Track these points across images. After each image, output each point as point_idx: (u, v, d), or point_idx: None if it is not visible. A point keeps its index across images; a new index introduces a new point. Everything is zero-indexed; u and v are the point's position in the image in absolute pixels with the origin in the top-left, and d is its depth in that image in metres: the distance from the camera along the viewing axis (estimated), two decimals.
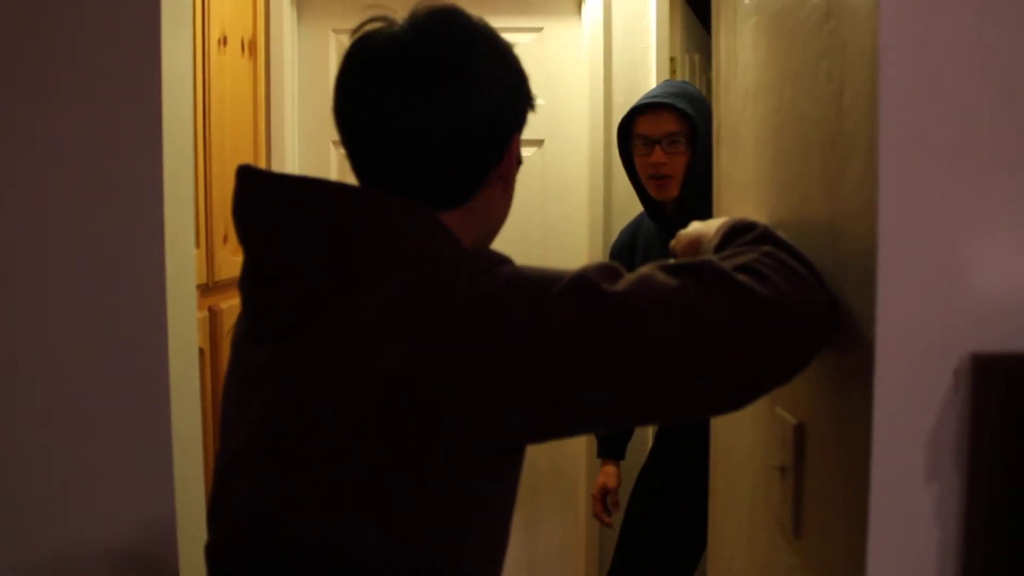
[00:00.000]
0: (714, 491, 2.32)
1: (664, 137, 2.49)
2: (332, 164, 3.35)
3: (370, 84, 1.09)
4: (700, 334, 1.02)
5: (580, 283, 1.03)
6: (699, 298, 1.03)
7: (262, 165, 3.15)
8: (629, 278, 1.05)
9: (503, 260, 1.10)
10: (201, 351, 2.46)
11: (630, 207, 3.30)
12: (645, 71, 3.32)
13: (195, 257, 2.05)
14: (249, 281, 1.15)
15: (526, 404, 1.02)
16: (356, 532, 1.05)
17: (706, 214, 1.89)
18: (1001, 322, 1.35)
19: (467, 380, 1.00)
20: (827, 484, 1.52)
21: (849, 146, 1.36)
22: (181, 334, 1.89)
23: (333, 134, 3.16)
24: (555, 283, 1.03)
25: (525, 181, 3.48)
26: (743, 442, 1.98)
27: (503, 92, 1.13)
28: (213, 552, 1.18)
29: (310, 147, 3.35)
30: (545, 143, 3.44)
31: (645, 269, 1.08)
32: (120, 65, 1.77)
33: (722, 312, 1.03)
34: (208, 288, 2.61)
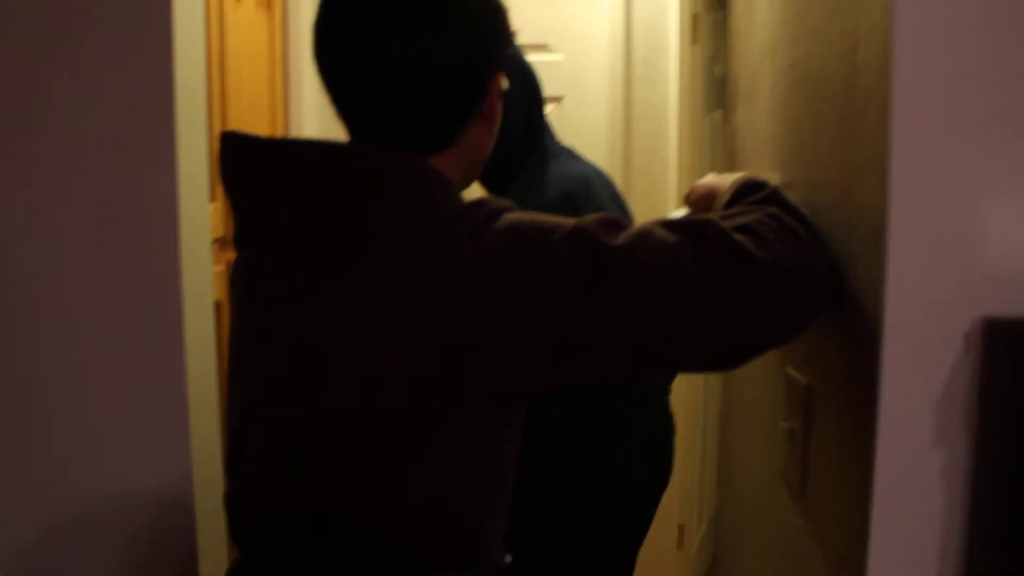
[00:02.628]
0: (723, 450, 2.32)
1: None
2: None
3: (351, 27, 1.09)
4: (696, 293, 1.03)
5: (581, 236, 1.04)
6: (696, 258, 1.04)
7: (279, 119, 3.15)
8: (630, 232, 1.06)
9: (500, 209, 1.10)
10: (219, 304, 2.48)
11: (650, 163, 3.29)
12: (665, 28, 3.28)
13: (210, 211, 2.04)
14: (253, 246, 1.15)
15: (536, 354, 1.04)
16: (371, 481, 1.08)
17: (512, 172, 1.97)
18: (1014, 286, 1.34)
19: (481, 333, 1.02)
20: (834, 447, 1.51)
21: (864, 102, 1.34)
22: (196, 288, 1.90)
23: None
24: (555, 233, 1.05)
25: None
26: (753, 400, 1.98)
27: (482, 32, 1.13)
28: (231, 502, 1.21)
29: (327, 100, 3.35)
30: (565, 99, 3.41)
31: (647, 224, 1.08)
32: (132, 21, 1.75)
33: (718, 272, 1.04)
34: (226, 242, 2.62)
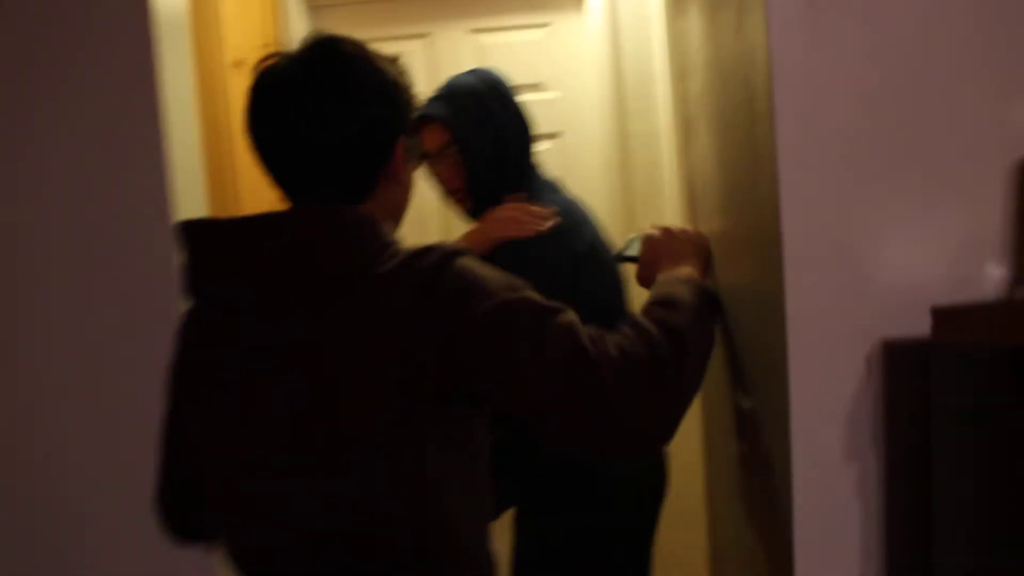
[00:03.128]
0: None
1: (437, 153, 2.24)
2: None
3: (270, 110, 1.31)
4: (558, 393, 1.22)
5: (507, 309, 1.24)
6: (577, 368, 1.22)
7: None
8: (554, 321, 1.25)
9: (454, 252, 1.30)
10: None
11: (648, 190, 3.38)
12: (652, 59, 3.37)
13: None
14: (218, 314, 1.34)
15: (472, 376, 1.25)
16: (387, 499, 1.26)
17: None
18: (909, 310, 1.43)
19: (439, 352, 1.23)
20: (765, 468, 1.61)
21: (761, 150, 1.45)
22: None
23: None
24: (493, 294, 1.25)
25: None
26: (720, 428, 2.08)
27: (380, 106, 1.33)
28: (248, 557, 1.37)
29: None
30: (563, 135, 3.52)
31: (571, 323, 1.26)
32: (119, 98, 1.90)
33: (578, 388, 1.22)
34: None
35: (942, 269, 1.44)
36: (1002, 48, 1.45)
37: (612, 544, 2.19)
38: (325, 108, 1.28)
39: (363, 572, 1.28)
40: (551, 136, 3.52)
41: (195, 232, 1.33)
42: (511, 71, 3.07)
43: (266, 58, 1.35)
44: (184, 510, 1.50)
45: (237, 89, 2.81)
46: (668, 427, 1.29)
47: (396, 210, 1.44)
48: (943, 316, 1.26)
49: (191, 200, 1.98)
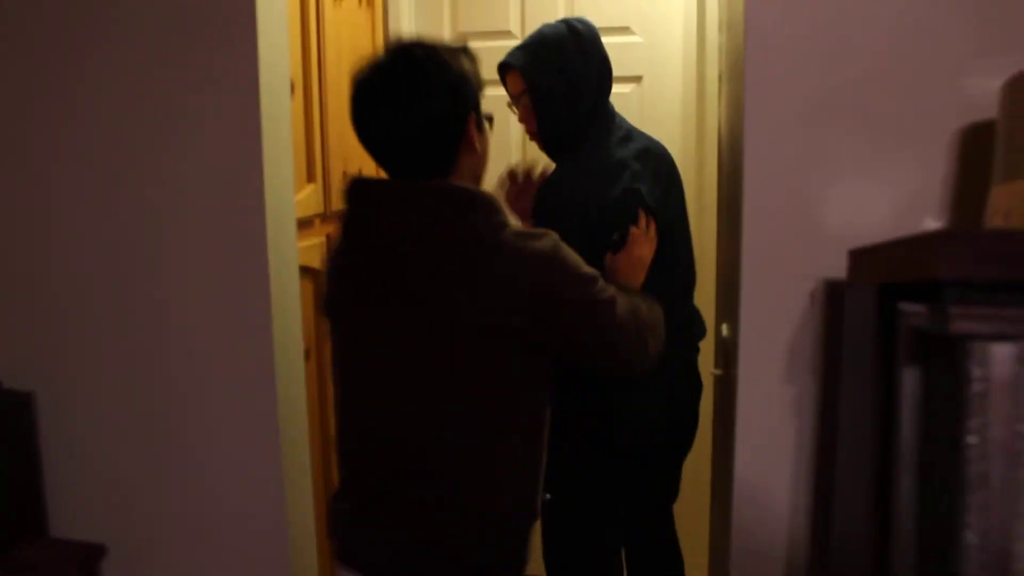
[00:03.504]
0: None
1: (515, 98, 2.47)
2: None
3: (364, 111, 1.69)
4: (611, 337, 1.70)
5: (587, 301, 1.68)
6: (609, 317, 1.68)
7: None
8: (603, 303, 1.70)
9: (559, 243, 1.69)
10: (319, 272, 2.92)
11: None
12: (738, 5, 3.47)
13: (292, 194, 2.43)
14: (361, 256, 1.72)
15: (543, 330, 1.65)
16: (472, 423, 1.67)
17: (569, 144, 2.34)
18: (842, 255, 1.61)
19: (523, 313, 1.62)
20: (730, 388, 1.82)
21: (738, 106, 1.63)
22: (282, 260, 2.27)
23: None
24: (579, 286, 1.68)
25: (624, 114, 3.73)
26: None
27: (447, 97, 1.67)
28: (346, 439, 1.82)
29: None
30: (644, 79, 3.67)
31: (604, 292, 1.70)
32: (218, 26, 2.10)
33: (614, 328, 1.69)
34: (325, 217, 3.04)
35: (887, 220, 1.61)
36: (959, 20, 1.61)
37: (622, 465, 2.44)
38: (402, 107, 1.64)
39: (434, 466, 1.67)
40: (633, 79, 3.67)
41: (354, 188, 1.74)
42: (598, 14, 3.25)
43: (359, 69, 1.72)
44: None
45: (334, 19, 3.04)
46: (648, 357, 1.77)
47: (475, 172, 1.79)
48: (855, 258, 1.44)
49: (280, 123, 2.21)
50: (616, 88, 3.67)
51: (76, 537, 2.33)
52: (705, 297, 3.31)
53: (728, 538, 1.80)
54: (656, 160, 2.34)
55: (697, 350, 2.47)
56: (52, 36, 2.15)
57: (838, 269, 1.61)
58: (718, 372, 1.98)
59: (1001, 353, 1.04)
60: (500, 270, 1.59)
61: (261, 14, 2.09)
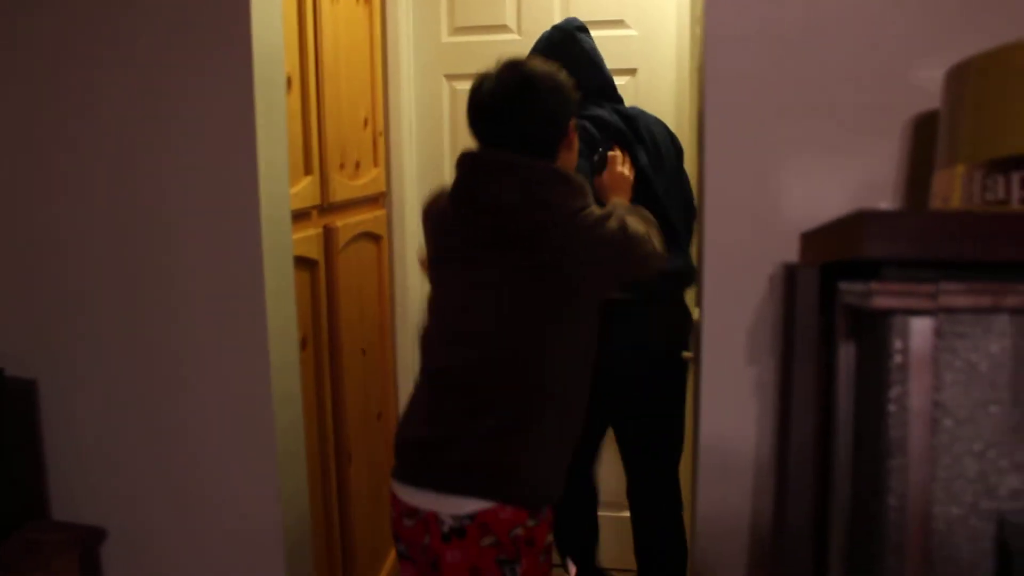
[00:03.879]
0: None
1: None
2: (444, 95, 3.78)
3: (485, 115, 2.12)
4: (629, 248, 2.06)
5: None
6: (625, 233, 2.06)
7: (379, 99, 3.64)
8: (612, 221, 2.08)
9: (606, 216, 2.08)
10: (316, 262, 2.99)
11: None
12: None
13: (288, 186, 2.48)
14: (462, 211, 2.13)
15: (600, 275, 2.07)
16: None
17: None
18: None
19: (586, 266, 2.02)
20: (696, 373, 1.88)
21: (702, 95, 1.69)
22: (276, 247, 2.34)
23: (446, 67, 3.56)
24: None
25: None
26: None
27: (555, 104, 2.11)
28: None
29: (424, 80, 3.81)
30: (638, 72, 3.73)
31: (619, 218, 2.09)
32: (214, 29, 2.15)
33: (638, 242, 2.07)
34: (323, 208, 3.09)
35: (843, 207, 1.68)
36: (912, 14, 1.66)
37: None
38: (525, 109, 2.06)
39: (511, 388, 2.02)
40: (628, 72, 3.74)
41: (463, 158, 2.13)
42: (593, 7, 3.33)
43: (477, 81, 2.12)
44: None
45: (332, 15, 3.11)
46: (659, 253, 2.10)
47: (570, 165, 2.20)
48: (804, 240, 1.50)
49: (274, 117, 2.27)
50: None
51: (77, 520, 2.38)
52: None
53: (694, 516, 1.87)
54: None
55: (682, 289, 2.85)
56: (48, 32, 2.20)
57: (795, 254, 1.67)
58: (689, 355, 2.06)
59: (919, 326, 1.10)
60: (577, 241, 1.96)
61: (256, 8, 2.13)
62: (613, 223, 2.00)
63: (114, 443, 2.33)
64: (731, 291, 1.73)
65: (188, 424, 2.30)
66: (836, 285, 1.30)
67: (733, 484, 1.80)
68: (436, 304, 2.20)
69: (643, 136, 2.86)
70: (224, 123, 2.16)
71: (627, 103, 3.62)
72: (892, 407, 1.11)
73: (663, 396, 2.90)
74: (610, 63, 3.08)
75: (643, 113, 3.03)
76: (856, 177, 1.69)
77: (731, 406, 1.76)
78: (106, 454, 2.33)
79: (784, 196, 1.70)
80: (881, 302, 1.09)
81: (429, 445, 2.04)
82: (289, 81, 2.67)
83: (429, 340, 2.19)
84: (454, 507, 1.98)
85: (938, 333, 1.10)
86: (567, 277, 1.97)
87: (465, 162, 2.12)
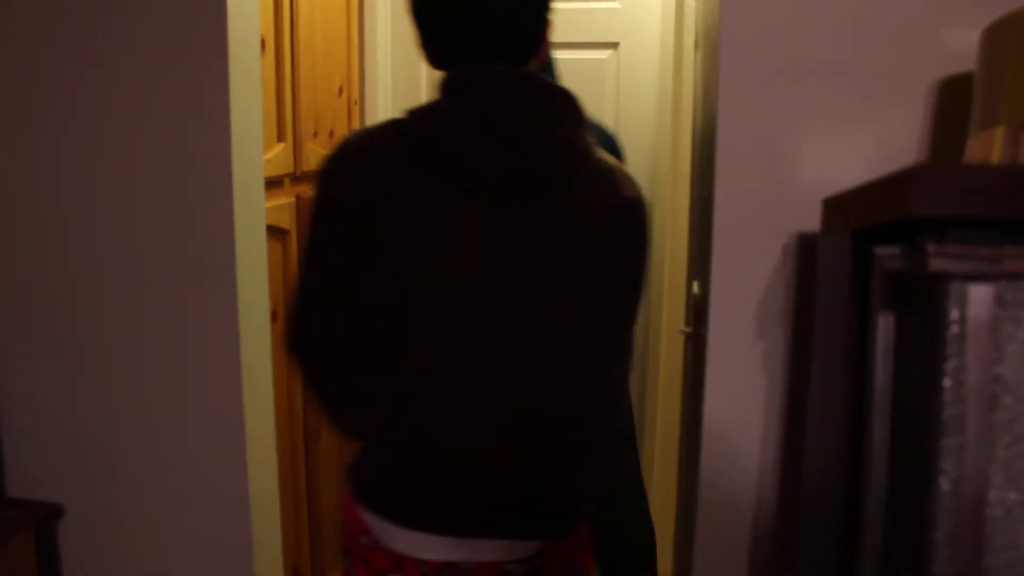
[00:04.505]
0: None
1: None
2: (422, 64, 3.64)
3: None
4: None
5: None
6: None
7: (355, 67, 3.51)
8: None
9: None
10: (287, 232, 2.88)
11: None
12: None
13: (261, 153, 2.36)
14: (487, 147, 1.39)
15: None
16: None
17: None
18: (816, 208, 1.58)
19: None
20: (701, 344, 1.79)
21: (712, 61, 1.60)
22: (249, 219, 2.23)
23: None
24: None
25: (601, 80, 3.71)
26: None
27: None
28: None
29: (402, 48, 3.68)
30: (620, 46, 3.63)
31: None
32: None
33: None
34: (296, 177, 2.99)
35: (862, 174, 1.59)
36: None
37: None
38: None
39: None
40: (611, 46, 3.64)
41: (461, 73, 1.45)
42: None
43: None
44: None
45: None
46: None
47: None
48: (829, 207, 1.40)
49: (248, 83, 2.16)
50: (593, 54, 3.69)
51: (34, 497, 2.29)
52: (678, 263, 3.30)
53: (696, 496, 1.77)
54: None
55: None
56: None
57: (812, 223, 1.58)
58: (687, 330, 1.95)
59: (978, 293, 1.01)
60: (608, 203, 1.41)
61: None
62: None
63: (73, 417, 2.23)
64: (742, 262, 1.63)
65: (152, 396, 2.20)
66: (871, 252, 1.20)
67: (738, 466, 1.71)
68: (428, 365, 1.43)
69: None
70: (196, 82, 2.05)
71: (609, 79, 3.55)
72: (947, 382, 1.01)
73: None
74: (592, 36, 2.98)
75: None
76: (876, 144, 1.59)
77: (738, 383, 1.66)
78: (65, 429, 2.23)
79: (800, 164, 1.60)
80: (938, 265, 1.00)
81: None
82: (263, 43, 2.56)
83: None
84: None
85: (1000, 301, 1.00)
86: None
87: (480, 81, 1.41)
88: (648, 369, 3.51)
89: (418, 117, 1.42)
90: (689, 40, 3.38)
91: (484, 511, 1.42)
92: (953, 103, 1.58)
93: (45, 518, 2.25)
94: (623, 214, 1.42)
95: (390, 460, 1.47)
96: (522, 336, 1.39)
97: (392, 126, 1.43)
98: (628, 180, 1.45)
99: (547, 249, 1.38)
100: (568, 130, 1.41)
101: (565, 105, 1.42)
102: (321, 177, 1.45)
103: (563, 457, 1.44)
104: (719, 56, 1.57)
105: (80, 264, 2.17)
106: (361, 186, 1.39)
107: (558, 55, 2.47)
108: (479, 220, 1.37)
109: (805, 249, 1.60)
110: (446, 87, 1.41)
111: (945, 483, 1.02)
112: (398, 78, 3.68)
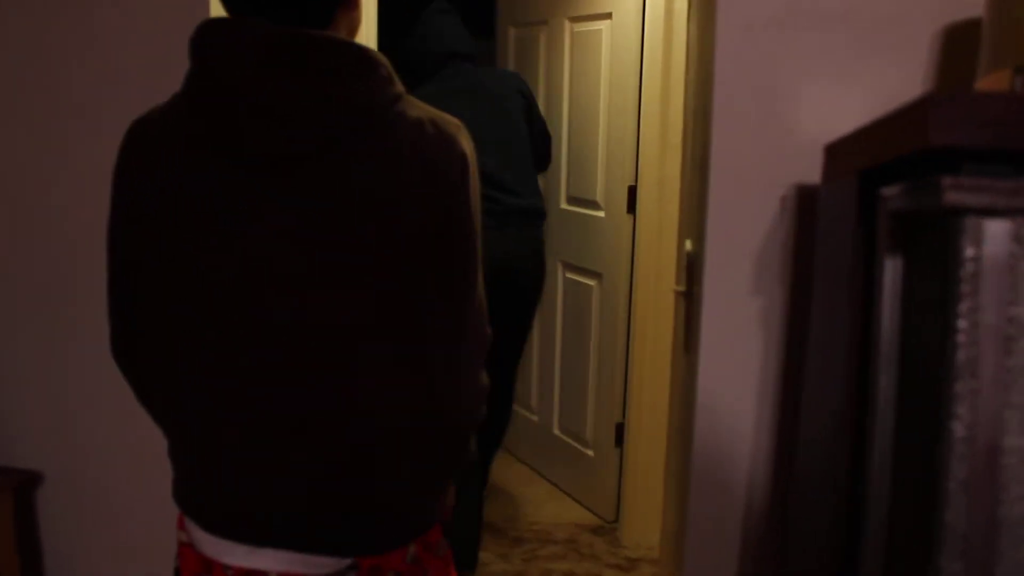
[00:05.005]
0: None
1: None
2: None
3: None
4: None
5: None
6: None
7: None
8: None
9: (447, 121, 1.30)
10: None
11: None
12: None
13: None
14: (237, 112, 1.20)
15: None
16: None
17: None
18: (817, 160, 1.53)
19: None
20: (695, 302, 1.73)
21: (709, 10, 1.54)
22: None
23: None
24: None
25: (594, 50, 3.65)
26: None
27: None
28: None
29: None
30: (613, 16, 3.58)
31: None
32: None
33: None
34: None
35: (863, 124, 1.52)
36: None
37: None
38: None
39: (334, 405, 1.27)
40: (604, 16, 3.59)
41: (208, 32, 1.24)
42: None
43: None
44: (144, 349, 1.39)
45: None
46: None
47: (352, 33, 1.35)
48: (831, 152, 1.35)
49: None
50: (587, 25, 3.64)
51: (13, 464, 2.24)
52: (668, 221, 3.25)
53: (689, 459, 1.72)
54: None
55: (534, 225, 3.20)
56: None
57: (810, 174, 1.52)
58: (680, 288, 1.89)
59: (995, 229, 0.95)
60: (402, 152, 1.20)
61: None
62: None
63: (52, 387, 2.17)
64: (738, 217, 1.57)
65: None
66: (877, 194, 1.15)
67: (732, 427, 1.65)
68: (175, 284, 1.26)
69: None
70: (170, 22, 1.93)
71: (604, 48, 3.51)
72: (962, 323, 0.96)
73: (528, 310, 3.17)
74: (589, 8, 2.91)
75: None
76: (878, 92, 1.54)
77: (733, 340, 1.61)
78: (44, 398, 2.18)
79: (799, 114, 1.54)
80: (953, 199, 0.94)
81: None
82: None
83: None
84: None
85: (1017, 238, 0.95)
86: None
87: (217, 42, 1.20)
88: (635, 332, 3.49)
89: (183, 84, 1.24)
90: (681, 5, 3.32)
91: (274, 519, 1.30)
92: (955, 50, 1.52)
93: (23, 484, 2.22)
94: (424, 180, 1.21)
95: (185, 461, 1.36)
96: (288, 326, 1.23)
97: (170, 99, 1.26)
98: (441, 138, 1.24)
99: (313, 225, 1.20)
100: (352, 87, 1.20)
101: (346, 59, 1.20)
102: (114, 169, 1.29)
103: (353, 460, 1.28)
104: (716, 4, 1.51)
105: (60, 241, 2.11)
106: (133, 174, 1.26)
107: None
108: (235, 198, 1.21)
109: (803, 201, 1.55)
110: (190, 47, 1.22)
111: (959, 429, 0.96)
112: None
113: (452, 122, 1.27)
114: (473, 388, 1.30)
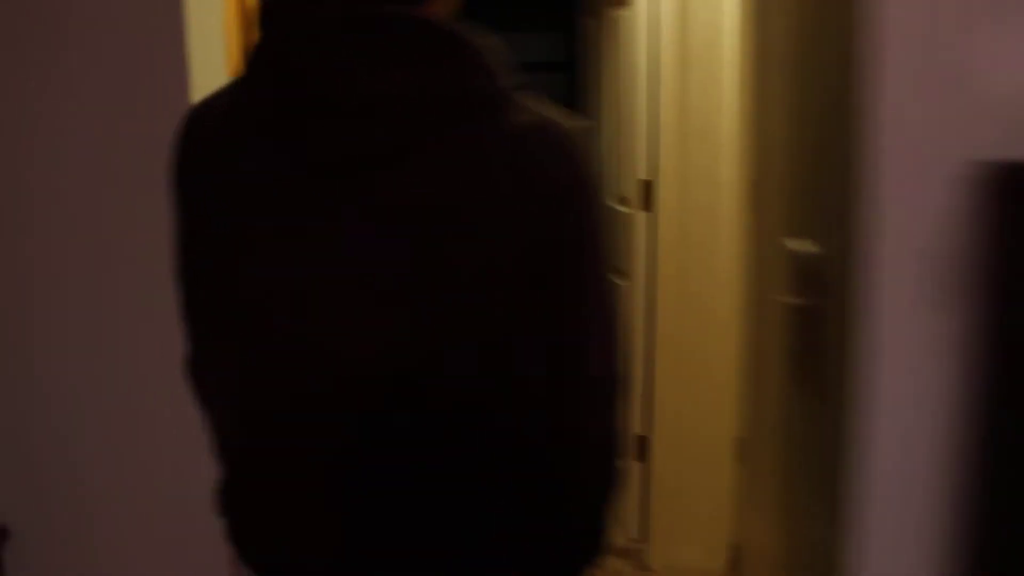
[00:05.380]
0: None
1: None
2: None
3: None
4: None
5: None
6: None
7: None
8: None
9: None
10: None
11: (710, 58, 3.21)
12: None
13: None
14: (297, 115, 1.04)
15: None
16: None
17: None
18: (1012, 127, 1.20)
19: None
20: (832, 321, 1.40)
21: None
22: None
23: None
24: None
25: (620, 41, 3.45)
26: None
27: None
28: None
29: None
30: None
31: None
32: None
33: None
34: None
35: None
36: None
37: None
38: None
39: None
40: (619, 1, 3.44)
41: (281, 12, 1.08)
42: None
43: None
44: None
45: None
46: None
47: (451, 13, 1.12)
48: None
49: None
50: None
51: None
52: (694, 218, 3.00)
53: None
54: None
55: None
56: None
57: (1007, 151, 1.19)
58: (794, 300, 1.51)
59: None
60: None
61: None
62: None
63: (18, 432, 1.98)
64: (911, 206, 1.21)
65: (102, 409, 1.94)
66: None
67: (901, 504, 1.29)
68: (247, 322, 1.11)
69: None
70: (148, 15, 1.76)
71: (626, 36, 3.35)
72: None
73: None
74: None
75: None
76: None
77: (906, 375, 1.25)
78: (6, 444, 1.99)
79: (990, 77, 1.21)
80: None
81: None
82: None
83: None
84: None
85: None
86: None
87: (284, 17, 1.04)
88: (660, 338, 3.33)
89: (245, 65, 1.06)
90: None
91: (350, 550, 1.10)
92: None
93: None
94: (521, 193, 1.01)
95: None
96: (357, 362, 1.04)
97: (232, 82, 1.10)
98: (551, 144, 1.03)
99: (381, 239, 1.02)
100: (442, 79, 1.01)
101: (438, 45, 1.02)
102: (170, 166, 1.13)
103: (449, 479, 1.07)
104: None
105: (41, 264, 1.89)
106: (194, 172, 1.10)
107: None
108: (297, 207, 1.03)
109: (1005, 184, 1.20)
110: (258, 17, 1.05)
111: None
112: None
113: (572, 126, 1.05)
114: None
